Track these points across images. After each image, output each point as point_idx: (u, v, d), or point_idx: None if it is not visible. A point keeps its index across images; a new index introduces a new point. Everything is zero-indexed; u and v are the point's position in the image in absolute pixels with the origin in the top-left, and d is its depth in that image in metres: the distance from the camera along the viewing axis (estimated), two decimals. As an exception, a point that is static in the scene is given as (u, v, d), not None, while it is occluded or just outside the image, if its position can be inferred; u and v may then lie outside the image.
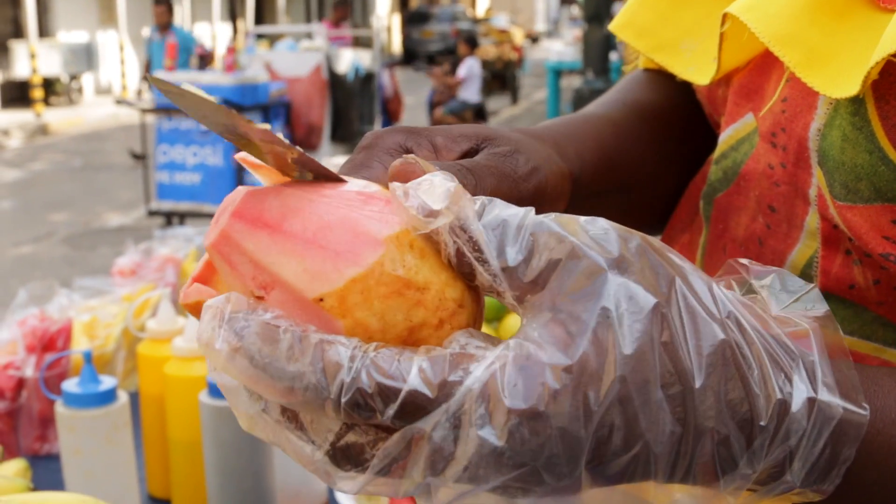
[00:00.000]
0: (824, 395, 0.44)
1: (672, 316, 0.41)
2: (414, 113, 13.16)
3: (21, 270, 6.64)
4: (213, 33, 18.34)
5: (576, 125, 0.69)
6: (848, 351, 0.46)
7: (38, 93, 14.99)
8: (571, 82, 15.45)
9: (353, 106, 8.89)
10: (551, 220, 0.42)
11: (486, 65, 14.67)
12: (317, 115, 8.28)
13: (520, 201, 0.53)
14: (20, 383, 1.51)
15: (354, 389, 0.40)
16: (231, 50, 7.81)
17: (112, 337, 1.68)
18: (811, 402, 0.43)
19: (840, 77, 0.53)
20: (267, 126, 0.44)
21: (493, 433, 0.39)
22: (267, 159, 0.47)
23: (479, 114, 12.08)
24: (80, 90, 17.65)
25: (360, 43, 12.10)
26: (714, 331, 0.42)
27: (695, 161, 0.79)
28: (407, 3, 30.88)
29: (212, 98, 0.44)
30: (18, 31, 17.22)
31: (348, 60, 8.99)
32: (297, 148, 0.45)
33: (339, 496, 1.27)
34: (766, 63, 0.63)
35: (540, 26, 40.56)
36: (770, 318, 0.45)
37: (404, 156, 0.46)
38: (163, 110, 7.30)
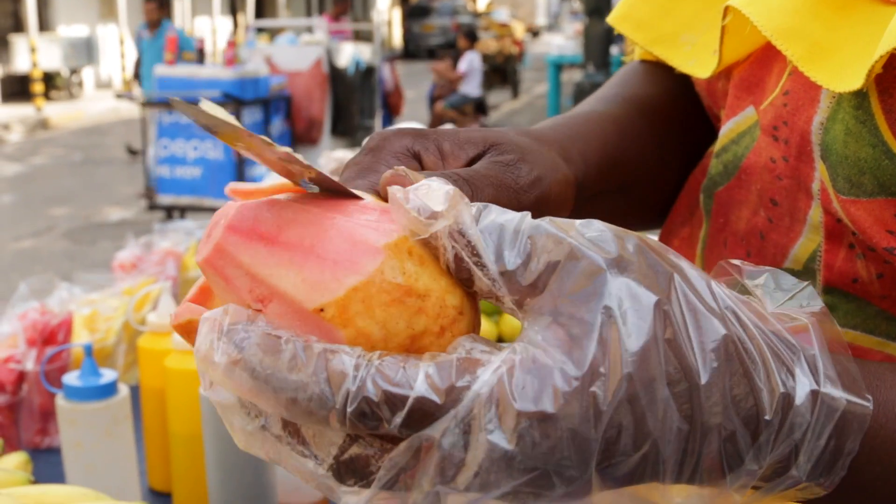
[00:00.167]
0: (827, 388, 0.44)
1: (674, 312, 0.41)
2: (415, 107, 13.15)
3: (21, 264, 6.65)
4: (214, 27, 18.33)
5: (579, 125, 0.68)
6: (847, 345, 0.46)
7: (38, 87, 14.99)
8: (572, 76, 15.44)
9: (353, 100, 8.87)
10: (548, 223, 0.42)
11: (486, 59, 14.66)
12: (317, 108, 8.27)
13: (516, 210, 0.53)
14: (21, 377, 1.51)
15: (360, 398, 0.39)
16: (231, 44, 7.81)
17: (113, 330, 1.68)
18: (814, 394, 0.43)
19: (843, 71, 0.52)
20: (288, 149, 0.43)
21: (503, 437, 0.38)
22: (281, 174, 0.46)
23: (480, 108, 12.07)
24: (80, 84, 17.65)
25: (361, 37, 12.09)
26: (716, 326, 0.41)
27: (694, 154, 0.78)
28: (407, -4, 30.85)
29: (232, 119, 0.43)
30: (19, 25, 17.21)
31: (349, 54, 8.98)
32: (315, 167, 0.45)
33: (340, 489, 1.27)
34: (767, 56, 0.63)
35: (541, 20, 40.53)
36: (768, 314, 0.45)
37: (395, 167, 0.45)
38: (163, 104, 7.29)
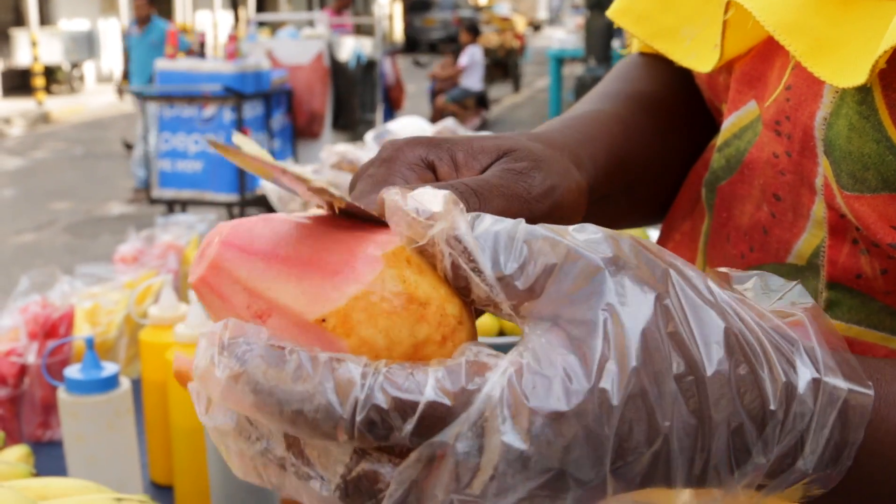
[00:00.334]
0: (828, 377, 0.44)
1: (673, 307, 0.41)
2: (416, 101, 13.14)
3: (23, 258, 6.65)
4: (215, 21, 18.31)
5: (587, 127, 0.67)
6: (843, 338, 0.46)
7: (39, 81, 14.98)
8: (573, 70, 15.41)
9: (354, 94, 8.87)
10: (543, 228, 0.41)
11: (488, 53, 14.64)
12: (318, 102, 8.27)
13: (531, 222, 0.52)
14: (22, 370, 1.51)
15: (369, 406, 0.38)
16: (232, 38, 7.80)
17: (114, 324, 1.68)
18: (816, 382, 0.43)
19: (846, 66, 0.52)
20: (323, 183, 0.43)
21: (517, 438, 0.38)
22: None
23: (481, 102, 12.07)
24: (81, 78, 17.64)
25: (362, 31, 12.07)
26: (716, 319, 0.41)
27: (695, 148, 0.78)
28: (409, -10, 30.81)
29: (268, 156, 0.43)
30: (20, 19, 17.19)
31: (350, 48, 8.97)
32: (346, 198, 0.44)
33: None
34: (768, 50, 0.62)
35: (542, 14, 40.47)
36: (764, 310, 0.45)
37: (388, 188, 0.45)
38: (164, 98, 7.29)
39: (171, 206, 7.26)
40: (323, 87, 8.33)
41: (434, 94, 12.04)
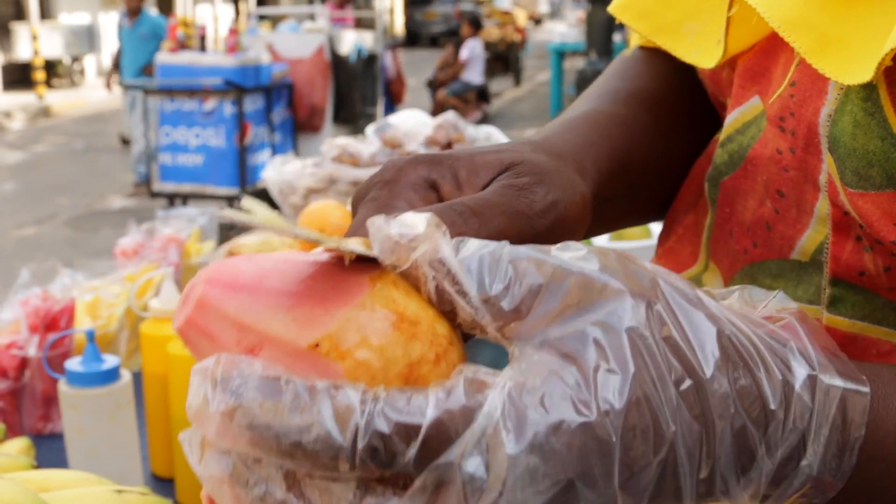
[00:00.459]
0: (823, 374, 0.43)
1: (665, 313, 0.40)
2: (416, 95, 13.13)
3: (24, 252, 6.65)
4: (215, 15, 18.29)
5: (589, 131, 0.66)
6: (833, 340, 0.46)
7: (39, 75, 14.97)
8: (574, 64, 15.42)
9: (355, 87, 8.86)
10: (528, 248, 0.41)
11: (488, 46, 14.63)
12: (319, 96, 8.26)
13: (535, 239, 0.51)
14: (23, 363, 1.51)
15: (371, 433, 0.37)
16: (233, 31, 7.79)
17: (115, 317, 1.68)
18: (812, 379, 0.43)
19: (852, 63, 0.51)
20: (337, 241, 0.43)
21: (523, 451, 0.37)
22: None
23: (482, 95, 12.06)
24: (81, 72, 17.63)
25: (363, 24, 12.05)
26: (709, 323, 0.41)
27: (698, 143, 0.78)
28: (409, -16, 30.78)
29: (278, 220, 0.43)
30: (20, 13, 17.18)
31: (351, 42, 8.96)
32: (358, 250, 0.43)
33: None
34: (772, 46, 0.62)
35: (543, 8, 40.41)
36: (753, 314, 0.45)
37: (372, 219, 0.44)
38: (165, 91, 7.29)
39: (172, 199, 7.26)
40: (324, 81, 8.32)
41: (434, 87, 12.03)
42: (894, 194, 0.51)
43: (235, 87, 7.10)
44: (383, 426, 0.37)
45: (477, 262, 0.41)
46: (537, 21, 36.53)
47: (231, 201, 7.33)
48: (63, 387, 1.26)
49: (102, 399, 1.25)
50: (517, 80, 17.17)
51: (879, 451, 0.45)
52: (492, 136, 2.56)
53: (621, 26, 10.52)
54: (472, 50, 11.75)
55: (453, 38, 13.57)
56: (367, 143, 2.45)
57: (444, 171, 0.54)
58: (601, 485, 0.38)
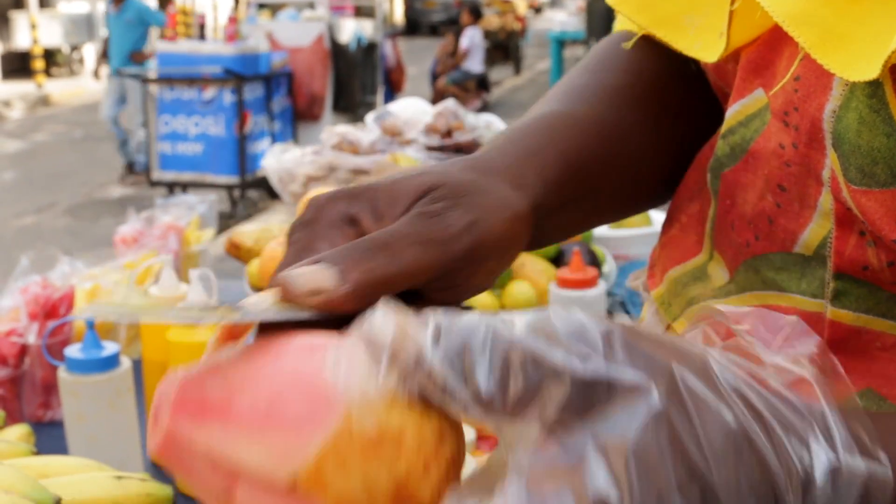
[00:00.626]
0: (844, 457, 0.41)
1: (676, 411, 0.38)
2: (416, 83, 13.11)
3: (24, 241, 6.65)
4: (215, 3, 18.25)
5: (537, 136, 0.64)
6: (850, 385, 0.44)
7: (39, 64, 14.94)
8: (575, 52, 15.39)
9: (355, 76, 8.85)
10: (521, 327, 0.38)
11: (488, 35, 14.60)
12: (319, 85, 8.25)
13: (453, 263, 0.51)
14: (23, 350, 1.51)
15: None
16: (233, 20, 7.78)
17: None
18: (834, 469, 0.41)
19: (857, 59, 0.51)
20: (224, 312, 0.42)
21: None
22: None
23: (482, 84, 12.05)
24: (80, 61, 17.59)
25: (363, 13, 12.02)
26: (722, 417, 0.39)
27: (694, 133, 0.76)
28: (409, -28, 30.70)
29: (155, 309, 0.42)
30: (19, 2, 17.14)
31: (350, 30, 8.95)
32: (258, 318, 0.43)
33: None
34: (776, 38, 0.61)
35: (543, -4, 40.31)
36: (766, 371, 0.43)
37: (290, 272, 0.43)
38: (164, 80, 7.28)
39: (172, 188, 7.26)
40: (323, 70, 8.31)
41: (435, 76, 12.02)
42: None
43: (235, 76, 7.09)
44: None
45: (462, 352, 0.38)
46: (537, 10, 36.42)
47: (231, 190, 7.33)
48: (63, 374, 1.26)
49: (102, 386, 1.25)
50: (517, 69, 17.14)
51: None
52: (492, 124, 2.56)
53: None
54: (472, 39, 11.73)
55: (453, 26, 13.54)
56: (367, 131, 2.45)
57: (363, 205, 0.53)
58: None
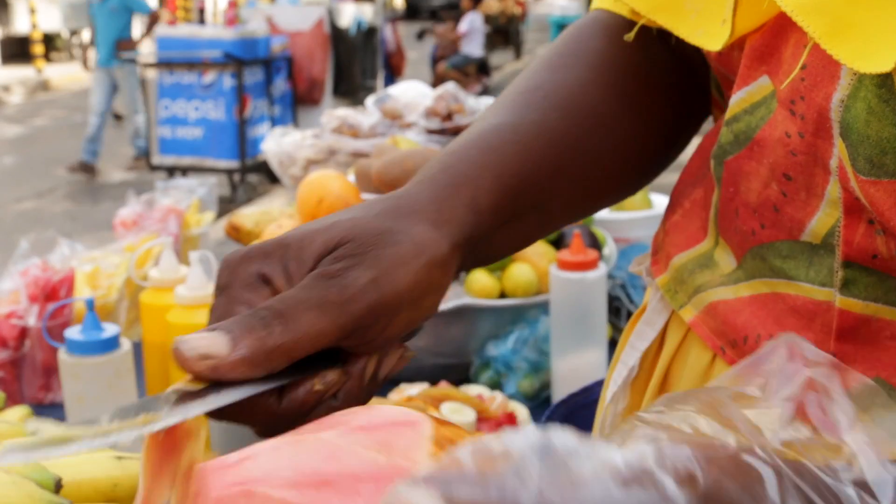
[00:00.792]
0: None
1: None
2: (417, 68, 13.08)
3: (24, 225, 6.64)
4: (214, -12, 18.20)
5: (472, 161, 0.63)
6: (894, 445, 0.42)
7: (38, 48, 14.91)
8: (575, 37, 15.30)
9: (355, 60, 8.83)
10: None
11: (489, 19, 14.57)
12: (319, 69, 8.23)
13: (354, 323, 0.51)
14: (23, 332, 1.51)
15: None
16: (232, 4, 7.76)
17: (115, 287, 1.67)
18: None
19: (868, 50, 0.49)
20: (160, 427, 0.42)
21: None
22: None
23: (482, 68, 12.02)
24: (80, 46, 17.55)
25: (363, -3, 12.00)
26: None
27: (677, 119, 0.74)
28: (409, -44, 30.57)
29: (67, 437, 0.42)
30: (18, -14, 17.09)
31: (350, 15, 8.92)
32: (176, 418, 0.44)
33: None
34: (782, 25, 0.59)
35: (543, -20, 40.21)
36: (837, 474, 0.39)
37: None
38: (164, 65, 7.27)
39: (172, 172, 7.25)
40: (323, 54, 8.29)
41: (435, 60, 11.99)
42: None
43: (235, 60, 7.07)
44: None
45: None
46: (538, -6, 36.32)
47: (231, 174, 7.32)
48: (63, 355, 1.26)
49: (102, 367, 1.25)
50: (518, 54, 17.10)
51: None
52: (492, 107, 2.55)
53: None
54: (472, 23, 11.70)
55: (454, 11, 13.51)
56: (367, 115, 2.44)
57: (274, 265, 0.53)
58: None
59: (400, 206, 0.57)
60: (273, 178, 7.18)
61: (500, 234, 0.63)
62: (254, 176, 7.69)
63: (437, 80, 11.10)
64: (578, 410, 1.22)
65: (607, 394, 0.80)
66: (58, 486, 0.90)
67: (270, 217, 1.92)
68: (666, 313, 0.75)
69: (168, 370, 1.36)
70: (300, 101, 8.14)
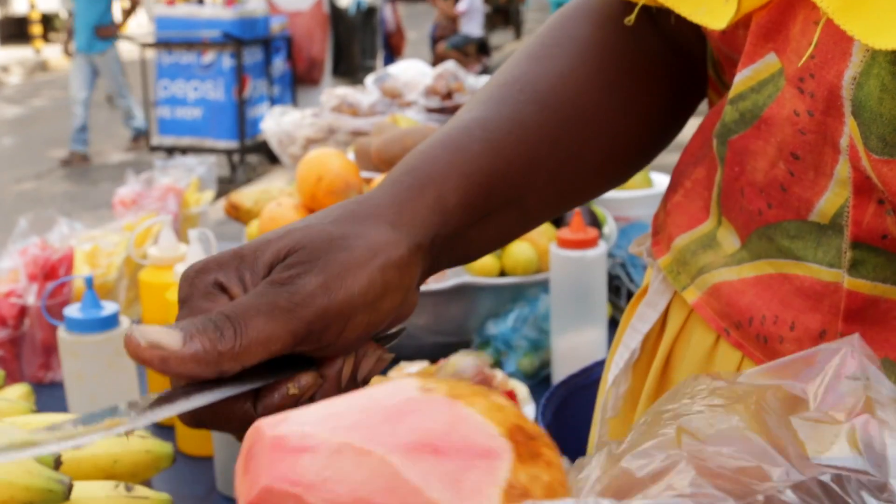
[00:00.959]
0: None
1: None
2: (416, 48, 13.04)
3: (23, 206, 6.64)
4: (213, -33, 18.15)
5: (439, 162, 0.62)
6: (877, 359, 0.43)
7: (36, 29, 14.86)
8: (575, 17, 15.24)
9: (355, 40, 8.81)
10: None
11: (489, 0, 14.51)
12: (318, 49, 8.20)
13: (306, 328, 0.51)
14: (22, 311, 1.51)
15: None
16: (231, -17, 7.72)
17: (114, 265, 1.67)
18: None
19: (882, 25, 0.48)
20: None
21: None
22: None
23: (482, 48, 11.98)
24: (66, 30, 17.50)
25: (362, -23, 11.95)
26: None
27: (665, 106, 0.74)
28: (409, -64, 30.44)
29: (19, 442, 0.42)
30: (16, -34, 17.02)
31: (350, -6, 8.89)
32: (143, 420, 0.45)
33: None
34: (790, 1, 0.58)
35: (544, -40, 40.06)
36: None
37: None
38: (163, 45, 7.24)
39: (171, 152, 7.24)
40: (322, 34, 8.26)
41: (434, 40, 11.95)
42: None
43: (234, 40, 7.05)
44: None
45: None
46: (538, -26, 36.20)
47: (230, 154, 7.31)
48: (62, 333, 1.26)
49: (102, 346, 1.25)
50: (518, 34, 17.05)
51: None
52: (492, 85, 2.54)
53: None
54: (472, 2, 11.65)
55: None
56: (367, 93, 2.43)
57: (230, 275, 0.54)
58: None
59: (357, 211, 0.58)
60: (272, 160, 7.17)
61: (476, 231, 0.63)
62: (253, 156, 7.68)
63: (436, 61, 11.06)
64: (578, 391, 1.22)
65: (609, 376, 0.79)
66: (57, 463, 0.90)
67: (270, 195, 1.92)
68: (668, 294, 0.74)
69: (168, 348, 1.36)
70: (299, 81, 8.11)
